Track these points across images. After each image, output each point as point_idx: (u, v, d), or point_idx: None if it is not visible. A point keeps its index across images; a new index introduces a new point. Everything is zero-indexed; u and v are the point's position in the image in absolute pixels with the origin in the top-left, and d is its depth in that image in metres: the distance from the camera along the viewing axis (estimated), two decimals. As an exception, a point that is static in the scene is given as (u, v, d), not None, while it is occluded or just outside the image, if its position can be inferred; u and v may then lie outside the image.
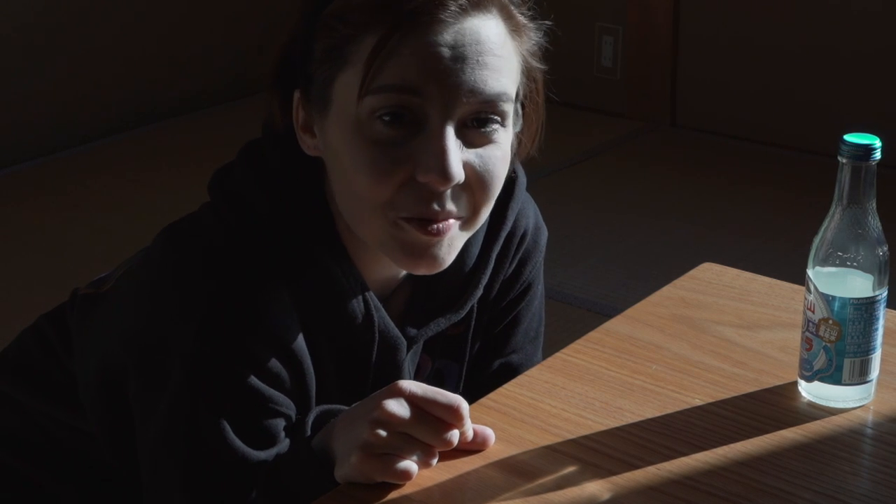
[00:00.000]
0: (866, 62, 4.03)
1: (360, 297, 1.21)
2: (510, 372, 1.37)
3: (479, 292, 1.30)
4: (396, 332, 1.24)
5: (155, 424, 1.17)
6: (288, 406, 1.19)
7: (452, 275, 1.26)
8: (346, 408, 1.18)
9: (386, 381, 1.19)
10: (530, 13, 1.20)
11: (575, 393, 1.26)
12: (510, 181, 1.27)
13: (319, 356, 1.21)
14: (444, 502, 1.11)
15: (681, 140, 4.36)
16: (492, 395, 1.26)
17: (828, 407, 1.24)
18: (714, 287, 1.48)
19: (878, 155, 1.16)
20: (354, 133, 1.13)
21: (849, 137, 1.17)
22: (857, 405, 1.24)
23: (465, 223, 1.17)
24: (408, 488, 1.12)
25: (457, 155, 1.12)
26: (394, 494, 1.11)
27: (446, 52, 1.11)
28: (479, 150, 1.14)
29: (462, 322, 1.31)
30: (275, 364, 1.16)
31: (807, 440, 1.19)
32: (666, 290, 1.47)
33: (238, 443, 1.15)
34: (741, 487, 1.12)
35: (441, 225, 1.14)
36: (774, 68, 4.20)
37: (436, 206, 1.13)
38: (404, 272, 1.26)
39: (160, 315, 1.17)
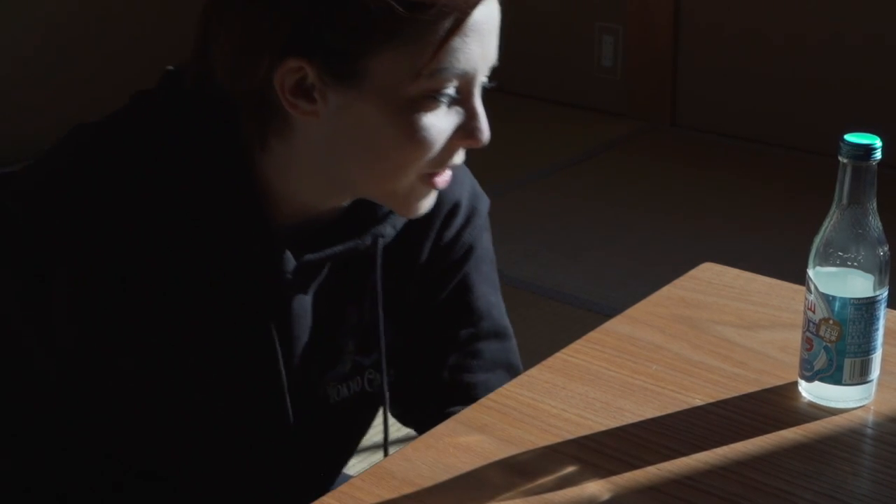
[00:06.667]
0: (866, 62, 4.03)
1: (251, 222, 1.20)
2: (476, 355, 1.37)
3: (385, 230, 1.27)
4: (287, 255, 1.22)
5: None
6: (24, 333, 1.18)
7: (360, 213, 1.26)
8: None
9: (281, 309, 1.22)
10: None
11: (575, 393, 1.26)
12: None
13: (181, 284, 1.20)
14: (444, 502, 1.11)
15: (681, 140, 4.36)
16: (492, 395, 1.26)
17: (828, 407, 1.24)
18: (714, 287, 1.48)
19: (878, 155, 1.16)
20: (402, 108, 1.14)
21: (849, 137, 1.17)
22: (858, 405, 1.24)
23: None
24: (407, 488, 1.12)
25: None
26: (393, 494, 1.11)
27: (489, 28, 1.15)
28: None
29: (367, 262, 1.29)
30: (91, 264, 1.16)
31: (807, 440, 1.19)
32: (666, 290, 1.47)
33: None
34: (741, 487, 1.12)
35: (446, 175, 1.20)
36: (774, 68, 4.20)
37: (457, 160, 1.20)
38: (322, 215, 1.25)
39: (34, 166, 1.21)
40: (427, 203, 1.22)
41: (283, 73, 1.13)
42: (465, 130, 1.17)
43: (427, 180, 1.19)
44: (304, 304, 1.26)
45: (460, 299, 1.37)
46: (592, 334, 1.38)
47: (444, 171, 1.20)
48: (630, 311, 1.42)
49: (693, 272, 1.52)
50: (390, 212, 1.27)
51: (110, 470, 1.28)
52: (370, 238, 1.27)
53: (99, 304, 1.18)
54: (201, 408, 1.23)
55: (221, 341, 1.22)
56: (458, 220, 1.35)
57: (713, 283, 1.49)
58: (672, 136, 4.40)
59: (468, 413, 1.23)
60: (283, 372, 1.25)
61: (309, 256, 1.24)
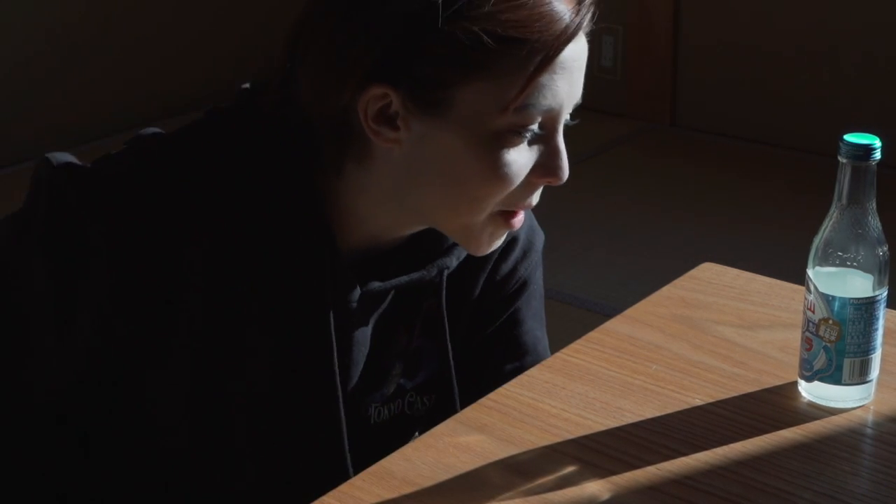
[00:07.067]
0: (867, 62, 4.03)
1: (323, 248, 1.19)
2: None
3: (450, 262, 1.27)
4: (354, 283, 1.22)
5: None
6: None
7: (425, 242, 1.26)
8: None
9: (343, 337, 1.21)
10: None
11: (575, 393, 1.26)
12: None
13: (242, 300, 1.18)
14: (444, 502, 1.11)
15: (681, 140, 4.36)
16: (492, 395, 1.26)
17: (828, 407, 1.24)
18: (714, 287, 1.48)
19: (878, 155, 1.16)
20: (486, 141, 1.13)
21: (849, 137, 1.17)
22: (857, 405, 1.24)
23: None
24: (407, 488, 1.12)
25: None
26: (393, 494, 1.11)
27: (577, 66, 1.15)
28: None
29: (433, 294, 1.29)
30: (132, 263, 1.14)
31: (807, 440, 1.19)
32: (666, 290, 1.47)
33: None
34: (741, 487, 1.12)
35: (521, 216, 1.19)
36: (774, 68, 4.20)
37: (534, 199, 1.19)
38: (386, 243, 1.25)
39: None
40: (496, 243, 1.22)
41: (367, 100, 1.12)
42: (546, 168, 1.16)
43: (501, 220, 1.18)
44: (365, 332, 1.26)
45: (508, 333, 1.37)
46: (592, 334, 1.37)
47: (520, 209, 1.19)
48: (630, 311, 1.42)
49: (693, 272, 1.52)
50: (455, 247, 1.27)
51: (133, 482, 1.26)
52: (435, 270, 1.26)
53: (132, 314, 1.16)
54: (248, 428, 1.22)
55: (278, 365, 1.21)
56: (515, 255, 1.34)
57: (713, 283, 1.49)
58: (672, 136, 4.40)
59: (468, 413, 1.23)
60: (341, 401, 1.23)
61: (374, 286, 1.23)
